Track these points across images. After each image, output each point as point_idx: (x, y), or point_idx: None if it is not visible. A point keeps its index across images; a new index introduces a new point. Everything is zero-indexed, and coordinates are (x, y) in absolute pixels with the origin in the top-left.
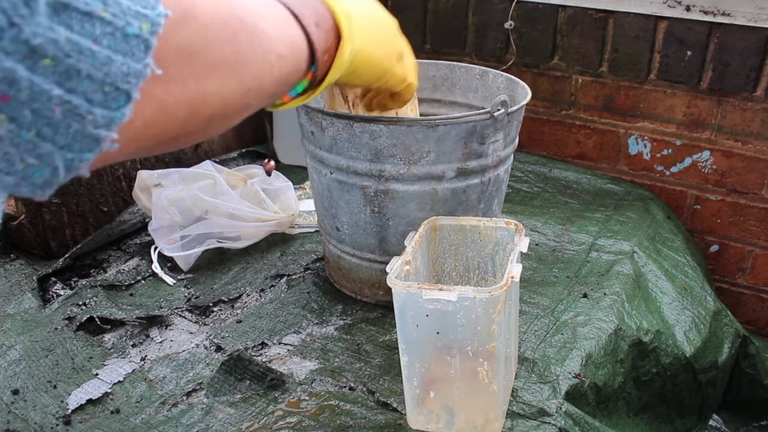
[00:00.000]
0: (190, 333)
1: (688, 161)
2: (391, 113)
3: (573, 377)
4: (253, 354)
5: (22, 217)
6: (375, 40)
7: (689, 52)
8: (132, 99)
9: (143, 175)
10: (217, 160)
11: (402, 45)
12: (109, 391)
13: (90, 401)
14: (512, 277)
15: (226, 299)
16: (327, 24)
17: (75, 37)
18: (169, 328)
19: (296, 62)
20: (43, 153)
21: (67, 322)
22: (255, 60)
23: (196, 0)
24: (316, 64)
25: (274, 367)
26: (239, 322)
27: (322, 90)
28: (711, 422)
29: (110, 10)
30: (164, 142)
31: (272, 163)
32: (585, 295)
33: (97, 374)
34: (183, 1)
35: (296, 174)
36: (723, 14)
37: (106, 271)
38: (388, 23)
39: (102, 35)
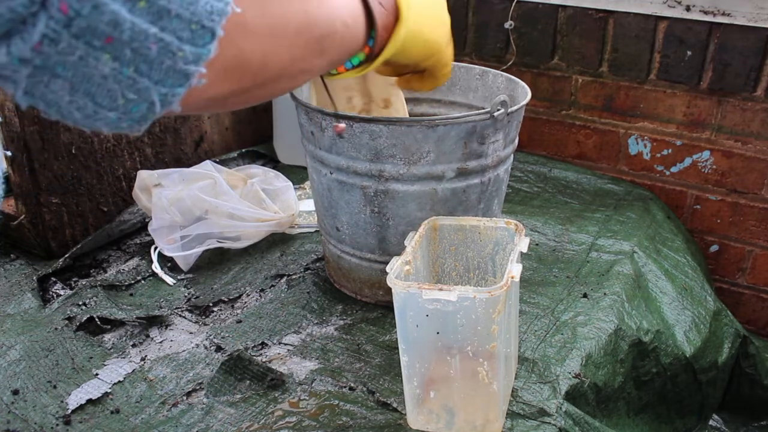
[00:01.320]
0: (190, 333)
1: (688, 161)
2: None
3: (573, 377)
4: (253, 354)
5: (22, 217)
6: (430, 21)
7: (689, 52)
8: (216, 36)
9: (143, 175)
10: (217, 160)
11: (448, 28)
12: (109, 391)
13: (90, 401)
14: (512, 277)
15: (226, 299)
16: (389, 3)
17: None
18: (169, 328)
19: (357, 33)
20: (141, 88)
21: (67, 322)
22: (323, 22)
23: None
24: (375, 39)
25: (274, 367)
26: (239, 322)
27: (376, 66)
28: (711, 422)
29: None
30: (239, 91)
31: (342, 125)
32: (585, 295)
33: (97, 374)
34: None
35: (296, 174)
36: (723, 14)
37: (106, 271)
38: (443, 7)
39: None
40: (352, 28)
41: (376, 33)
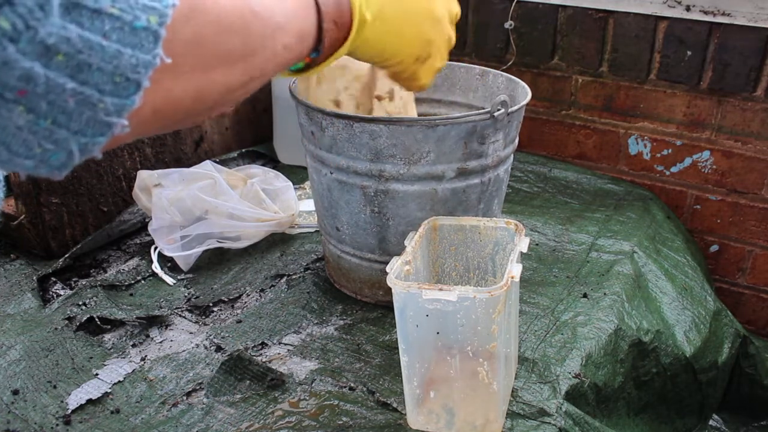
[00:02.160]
0: (190, 333)
1: (688, 161)
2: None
3: (573, 377)
4: (253, 354)
5: (22, 217)
6: (391, 38)
7: (689, 52)
8: (142, 88)
9: (143, 175)
10: (217, 160)
11: (433, 47)
12: (109, 391)
13: (90, 401)
14: (512, 277)
15: (226, 299)
16: (343, 19)
17: (86, 34)
18: (169, 328)
19: (301, 50)
20: (59, 138)
21: (67, 322)
22: (262, 51)
23: None
24: (319, 53)
25: (274, 367)
26: (239, 322)
27: (315, 72)
28: (711, 422)
29: (118, 5)
30: (170, 125)
31: None
32: (585, 295)
33: (97, 374)
34: None
35: (296, 174)
36: (723, 14)
37: (106, 271)
38: (420, 25)
39: (111, 30)
40: (295, 47)
41: (321, 48)
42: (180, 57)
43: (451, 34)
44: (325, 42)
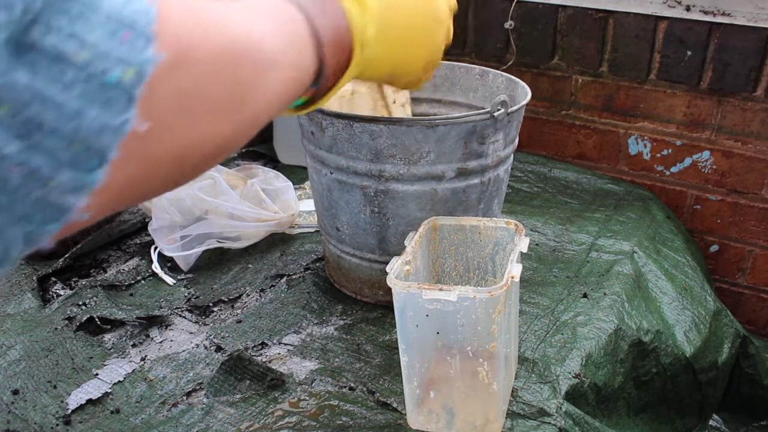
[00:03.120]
0: (190, 333)
1: (688, 161)
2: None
3: (573, 377)
4: (253, 354)
5: None
6: (398, 52)
7: (689, 52)
8: (107, 160)
9: None
10: None
11: (436, 52)
12: (109, 391)
13: (90, 401)
14: (512, 277)
15: (226, 299)
16: (343, 40)
17: (38, 83)
18: (169, 328)
19: (301, 84)
20: None
21: (67, 322)
22: (256, 95)
23: (199, 34)
24: (319, 85)
25: (274, 367)
26: (239, 322)
27: (321, 104)
28: (711, 422)
29: (86, 53)
30: (143, 197)
31: None
32: (585, 295)
33: (97, 374)
34: (182, 38)
35: (296, 174)
36: (723, 14)
37: (106, 271)
38: (427, 30)
39: (73, 82)
40: (294, 85)
41: (321, 79)
42: (161, 116)
43: (450, 27)
44: (327, 70)
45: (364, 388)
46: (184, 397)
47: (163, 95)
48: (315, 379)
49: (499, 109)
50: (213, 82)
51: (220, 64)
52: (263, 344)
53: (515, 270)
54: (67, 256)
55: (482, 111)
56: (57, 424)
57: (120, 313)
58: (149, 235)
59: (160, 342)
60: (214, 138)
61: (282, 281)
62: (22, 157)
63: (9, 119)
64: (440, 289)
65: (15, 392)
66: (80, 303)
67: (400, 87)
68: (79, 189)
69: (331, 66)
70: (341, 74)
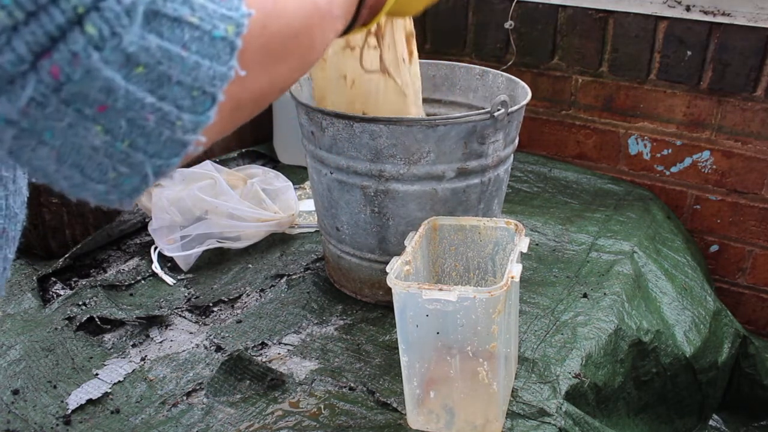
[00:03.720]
0: (190, 333)
1: (688, 161)
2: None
3: (573, 377)
4: (253, 354)
5: None
6: None
7: (689, 52)
8: (217, 101)
9: None
10: (217, 160)
11: None
12: (109, 391)
13: (90, 401)
14: (512, 277)
15: (226, 299)
16: None
17: (165, 44)
18: (169, 328)
19: (343, 28)
20: (135, 162)
21: (67, 322)
22: (321, 44)
23: None
24: (356, 22)
25: (274, 367)
26: (239, 322)
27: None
28: (711, 422)
29: (198, 14)
30: (230, 131)
31: None
32: (585, 295)
33: (97, 374)
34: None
35: (296, 174)
36: (723, 14)
37: (106, 271)
38: None
39: (191, 40)
40: (341, 29)
41: (358, 18)
42: (250, 65)
43: None
44: (357, 22)
45: (364, 388)
46: (184, 397)
47: (254, 46)
48: (315, 379)
49: (499, 109)
50: (292, 38)
51: (299, 21)
52: (263, 344)
53: (515, 270)
54: (67, 256)
55: (482, 111)
56: (57, 424)
57: (120, 313)
58: (149, 235)
59: (160, 342)
60: (286, 81)
61: (282, 281)
62: (156, 105)
63: (145, 76)
64: (440, 289)
65: (15, 392)
66: (80, 303)
67: (407, 15)
68: (196, 127)
69: (366, 12)
70: (373, 17)
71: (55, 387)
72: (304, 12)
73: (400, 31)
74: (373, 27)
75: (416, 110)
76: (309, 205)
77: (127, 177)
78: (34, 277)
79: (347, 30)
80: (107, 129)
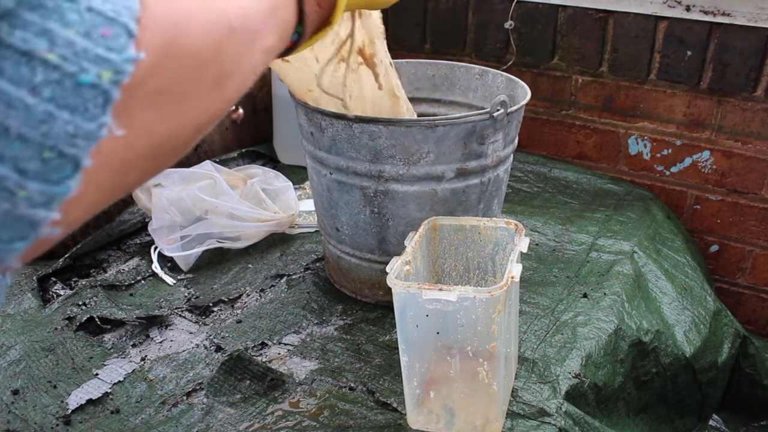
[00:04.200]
0: (190, 333)
1: (688, 161)
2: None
3: (573, 377)
4: (253, 354)
5: None
6: None
7: (689, 52)
8: (81, 168)
9: None
10: (217, 160)
11: None
12: (109, 391)
13: (90, 401)
14: (512, 277)
15: (226, 299)
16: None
17: (3, 84)
18: (169, 328)
19: (282, 45)
20: None
21: (67, 322)
22: (241, 68)
23: (184, 23)
24: (300, 38)
25: (274, 367)
26: (239, 322)
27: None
28: (711, 422)
29: (59, 50)
30: (123, 191)
31: (240, 111)
32: (585, 295)
33: (97, 374)
34: (165, 31)
35: (296, 174)
36: (723, 14)
37: (106, 271)
38: None
39: (43, 83)
40: (275, 48)
41: (303, 30)
42: (141, 114)
43: None
44: (307, 27)
45: (364, 388)
46: (184, 397)
47: (144, 95)
48: (315, 379)
49: (498, 109)
50: (199, 72)
51: (206, 49)
52: (263, 344)
53: (515, 270)
54: (67, 256)
55: (482, 111)
56: (57, 424)
57: (120, 313)
58: (149, 235)
59: (160, 342)
60: (196, 123)
61: (282, 281)
62: None
63: None
64: (440, 289)
65: (15, 392)
66: (80, 303)
67: (378, 7)
68: (49, 201)
69: (311, 22)
70: (323, 27)
71: (55, 387)
72: (210, 37)
73: (380, 38)
74: (361, 46)
75: (406, 107)
76: (309, 205)
77: None
78: (34, 277)
79: (298, 39)
80: None
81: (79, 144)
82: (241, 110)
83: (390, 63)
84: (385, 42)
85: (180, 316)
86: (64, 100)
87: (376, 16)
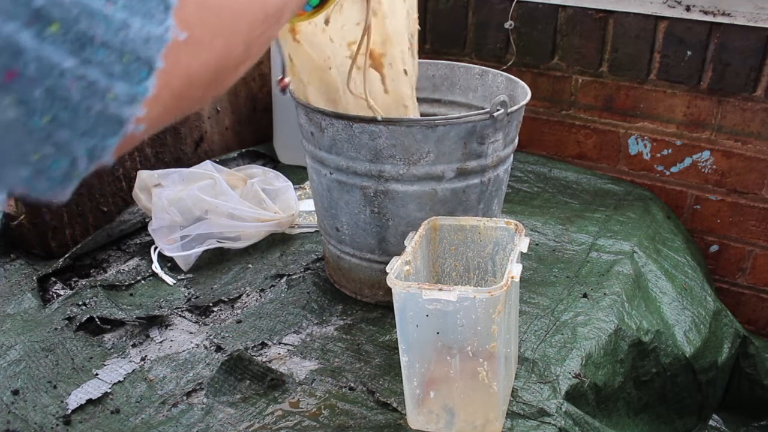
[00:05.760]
0: (190, 333)
1: (688, 161)
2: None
3: (573, 377)
4: (253, 354)
5: (22, 217)
6: None
7: (689, 52)
8: (155, 69)
9: (143, 175)
10: (217, 160)
11: None
12: (109, 391)
13: (90, 401)
14: (512, 277)
15: (226, 299)
16: None
17: None
18: (169, 328)
19: None
20: (61, 141)
21: (67, 322)
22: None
23: None
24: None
25: (274, 367)
26: (239, 322)
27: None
28: (711, 422)
29: None
30: (189, 107)
31: (287, 80)
32: (585, 295)
33: (97, 374)
34: None
35: (296, 174)
36: (723, 14)
37: (106, 271)
38: None
39: None
40: None
41: None
42: (197, 26)
43: None
44: None
45: (364, 388)
46: (184, 397)
47: (195, 5)
48: (315, 379)
49: (498, 109)
50: None
51: None
52: (263, 344)
53: (515, 270)
54: (67, 256)
55: (482, 111)
56: (57, 424)
57: (120, 313)
58: (149, 235)
59: (160, 342)
60: (248, 40)
61: (282, 281)
62: (80, 71)
63: (61, 36)
64: (440, 289)
65: (15, 392)
66: (80, 303)
67: None
68: (133, 99)
69: None
70: None
71: (55, 387)
72: None
73: (402, 42)
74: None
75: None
76: (309, 205)
77: (54, 159)
78: (34, 277)
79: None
80: (20, 99)
81: (151, 47)
82: (287, 79)
83: (405, 70)
84: (412, 49)
85: (180, 316)
86: (134, 8)
87: (403, 17)
